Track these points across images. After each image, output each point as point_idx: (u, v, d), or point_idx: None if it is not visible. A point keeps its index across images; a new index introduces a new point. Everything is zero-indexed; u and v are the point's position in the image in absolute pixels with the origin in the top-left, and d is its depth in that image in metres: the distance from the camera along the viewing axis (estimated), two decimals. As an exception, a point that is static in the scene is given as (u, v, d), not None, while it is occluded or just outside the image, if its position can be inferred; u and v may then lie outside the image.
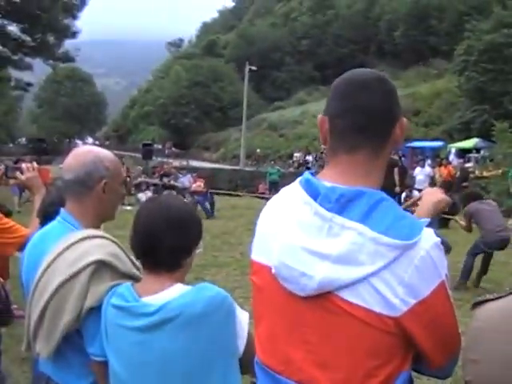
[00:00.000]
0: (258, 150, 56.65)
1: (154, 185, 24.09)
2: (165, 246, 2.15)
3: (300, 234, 1.64)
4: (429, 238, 1.59)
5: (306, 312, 1.64)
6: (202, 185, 22.69)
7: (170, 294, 2.11)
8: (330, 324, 1.60)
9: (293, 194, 1.75)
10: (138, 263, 2.35)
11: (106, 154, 2.62)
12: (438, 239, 1.61)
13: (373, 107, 1.68)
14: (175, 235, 2.17)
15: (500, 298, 1.63)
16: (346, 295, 1.56)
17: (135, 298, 2.13)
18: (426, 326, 1.58)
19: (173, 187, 22.59)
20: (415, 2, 68.54)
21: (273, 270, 1.69)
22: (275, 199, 1.87)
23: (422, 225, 1.60)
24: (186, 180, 23.04)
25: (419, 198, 2.33)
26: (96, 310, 2.22)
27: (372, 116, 1.68)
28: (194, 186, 22.44)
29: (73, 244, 2.33)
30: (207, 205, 20.96)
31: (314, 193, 1.66)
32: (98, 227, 2.60)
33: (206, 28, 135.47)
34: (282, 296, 1.68)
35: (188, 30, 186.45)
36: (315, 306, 1.61)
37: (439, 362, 1.68)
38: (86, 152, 2.58)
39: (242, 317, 2.22)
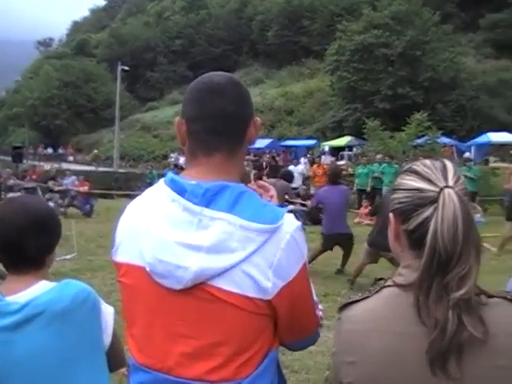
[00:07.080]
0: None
1: (25, 188, 23.65)
2: (32, 245, 2.13)
3: (172, 229, 1.68)
4: (291, 221, 1.71)
5: (181, 305, 1.68)
6: (87, 188, 23.81)
7: (34, 292, 2.08)
8: (206, 314, 1.65)
9: (159, 193, 1.78)
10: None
11: None
12: (299, 223, 1.74)
13: (227, 112, 1.77)
14: (40, 234, 2.15)
15: (366, 298, 1.60)
16: (220, 283, 1.63)
17: None
18: (290, 305, 1.70)
19: (59, 191, 22.78)
20: (287, 3, 69.87)
21: (147, 268, 1.71)
22: (138, 201, 1.88)
23: (283, 210, 1.71)
24: (69, 182, 23.43)
25: None
26: None
27: (227, 121, 1.77)
28: (80, 188, 23.24)
29: None
30: (87, 207, 22.11)
31: (180, 190, 1.72)
32: None
33: (76, 27, 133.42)
34: (156, 293, 1.71)
35: (58, 29, 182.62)
36: (190, 298, 1.66)
37: (287, 340, 1.82)
38: None
39: (108, 311, 2.23)
